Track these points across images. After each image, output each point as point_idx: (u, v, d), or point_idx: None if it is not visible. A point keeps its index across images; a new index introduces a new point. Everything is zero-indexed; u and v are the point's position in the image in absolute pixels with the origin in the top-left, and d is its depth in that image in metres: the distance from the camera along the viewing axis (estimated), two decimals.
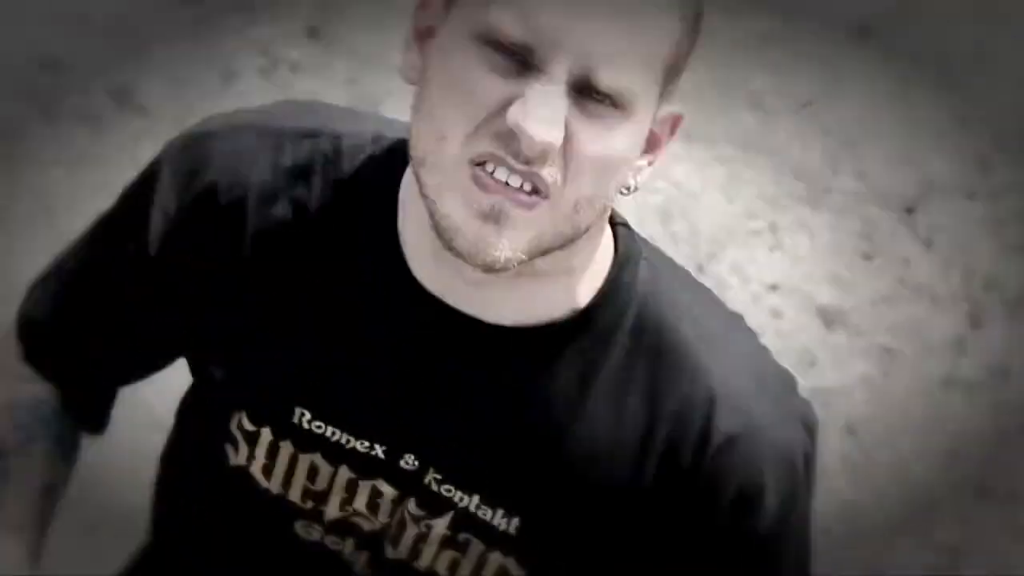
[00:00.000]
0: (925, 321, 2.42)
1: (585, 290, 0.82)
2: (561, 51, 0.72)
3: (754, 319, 2.50)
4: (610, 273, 0.83)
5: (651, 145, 0.80)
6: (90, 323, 0.92)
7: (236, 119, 0.89)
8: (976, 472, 2.23)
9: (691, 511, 0.82)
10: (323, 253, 0.82)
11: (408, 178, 0.81)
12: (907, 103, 2.83)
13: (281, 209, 0.83)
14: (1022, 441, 2.27)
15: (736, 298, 2.36)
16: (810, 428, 0.86)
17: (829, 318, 2.38)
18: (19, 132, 2.49)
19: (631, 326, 0.82)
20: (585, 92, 0.73)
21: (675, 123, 0.81)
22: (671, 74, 0.77)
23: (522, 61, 0.72)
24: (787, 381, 0.87)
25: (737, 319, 0.88)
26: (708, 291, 0.88)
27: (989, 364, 2.36)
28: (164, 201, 0.85)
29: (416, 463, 0.83)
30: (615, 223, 0.85)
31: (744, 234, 2.49)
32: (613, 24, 0.72)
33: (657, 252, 0.86)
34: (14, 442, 0.90)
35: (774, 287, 2.42)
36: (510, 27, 0.72)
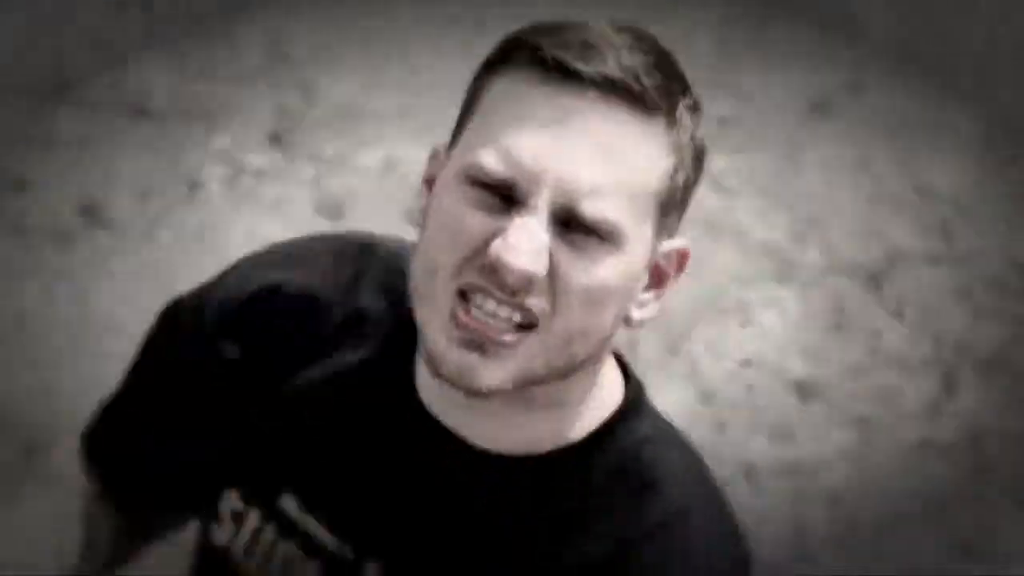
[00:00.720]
0: (899, 388, 2.44)
1: (579, 427, 0.83)
2: (542, 185, 0.74)
3: (729, 395, 2.54)
4: (611, 416, 0.84)
5: (657, 280, 0.81)
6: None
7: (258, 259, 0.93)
8: (959, 534, 2.23)
9: None
10: (342, 359, 0.87)
11: None
12: (867, 175, 2.88)
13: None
14: (1002, 501, 2.29)
15: (710, 375, 2.37)
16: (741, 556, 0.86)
17: (804, 391, 2.39)
18: None
19: (615, 471, 0.83)
20: (570, 224, 0.75)
21: (683, 258, 0.82)
22: (667, 208, 0.78)
23: (507, 197, 0.75)
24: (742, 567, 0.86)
25: (717, 494, 0.87)
26: (699, 459, 0.87)
27: (964, 427, 2.38)
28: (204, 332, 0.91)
29: (379, 572, 0.84)
30: (627, 372, 0.87)
31: (714, 312, 2.51)
32: (593, 159, 0.74)
33: (660, 412, 0.87)
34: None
35: (747, 363, 2.42)
36: (493, 165, 0.75)
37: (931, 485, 2.31)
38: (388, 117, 2.84)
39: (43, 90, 2.73)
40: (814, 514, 2.14)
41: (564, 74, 0.75)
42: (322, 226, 2.68)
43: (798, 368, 2.43)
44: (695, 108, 0.79)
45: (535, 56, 0.76)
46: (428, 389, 0.83)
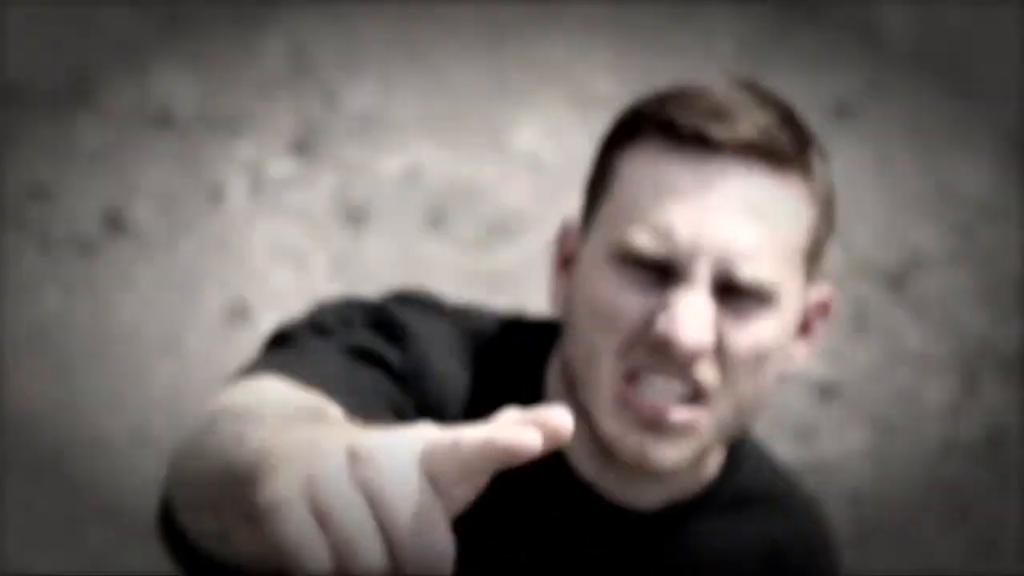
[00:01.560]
0: (920, 389, 2.43)
1: (712, 464, 0.86)
2: (701, 255, 0.74)
3: None
4: (727, 464, 0.87)
5: (804, 329, 0.83)
6: None
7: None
8: (979, 533, 2.22)
9: None
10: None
11: (556, 371, 0.83)
12: (888, 177, 2.87)
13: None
14: (1022, 500, 2.28)
15: None
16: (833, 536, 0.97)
17: (826, 392, 2.39)
18: (12, 260, 2.57)
19: (739, 492, 0.88)
20: (729, 290, 0.75)
21: (827, 307, 0.84)
22: (812, 259, 0.80)
23: (663, 272, 0.75)
24: (825, 519, 0.96)
25: (799, 486, 0.95)
26: (780, 463, 0.94)
27: (986, 426, 2.37)
28: None
29: None
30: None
31: None
32: (746, 222, 0.75)
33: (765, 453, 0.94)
34: None
35: None
36: (647, 243, 0.75)
37: (952, 484, 2.30)
38: (410, 124, 2.85)
39: (65, 99, 2.75)
40: (836, 514, 2.14)
41: (701, 142, 0.75)
42: (344, 234, 2.69)
43: (820, 369, 2.43)
44: (823, 156, 0.80)
45: (669, 127, 0.76)
46: (577, 458, 0.81)
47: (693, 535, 0.85)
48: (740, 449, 0.87)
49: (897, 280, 2.64)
